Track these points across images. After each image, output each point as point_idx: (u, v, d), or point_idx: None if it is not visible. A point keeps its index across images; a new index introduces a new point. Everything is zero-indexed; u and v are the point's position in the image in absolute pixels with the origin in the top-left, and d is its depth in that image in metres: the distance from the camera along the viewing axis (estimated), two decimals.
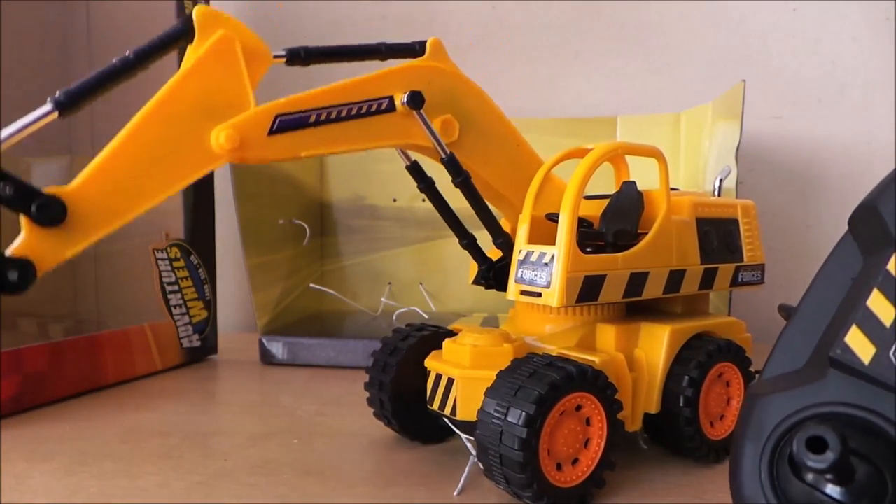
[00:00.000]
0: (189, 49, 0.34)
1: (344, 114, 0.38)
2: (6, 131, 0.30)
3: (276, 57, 0.37)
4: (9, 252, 0.29)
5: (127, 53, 0.32)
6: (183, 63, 0.34)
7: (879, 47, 0.88)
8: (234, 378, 0.71)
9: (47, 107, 0.30)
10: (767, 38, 0.90)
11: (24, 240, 0.30)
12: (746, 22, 0.91)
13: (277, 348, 0.74)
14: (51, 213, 0.29)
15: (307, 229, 0.86)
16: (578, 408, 0.37)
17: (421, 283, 0.92)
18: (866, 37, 0.88)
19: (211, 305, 0.78)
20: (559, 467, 0.37)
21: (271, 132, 0.36)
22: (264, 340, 0.74)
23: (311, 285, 0.89)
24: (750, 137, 0.86)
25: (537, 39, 0.95)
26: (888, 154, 0.88)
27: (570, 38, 0.94)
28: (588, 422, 0.38)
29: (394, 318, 0.84)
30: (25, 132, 0.31)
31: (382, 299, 0.90)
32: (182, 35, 0.33)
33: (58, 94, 0.30)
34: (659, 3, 0.92)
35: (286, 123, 0.36)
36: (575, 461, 0.38)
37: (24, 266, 0.29)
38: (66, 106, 0.31)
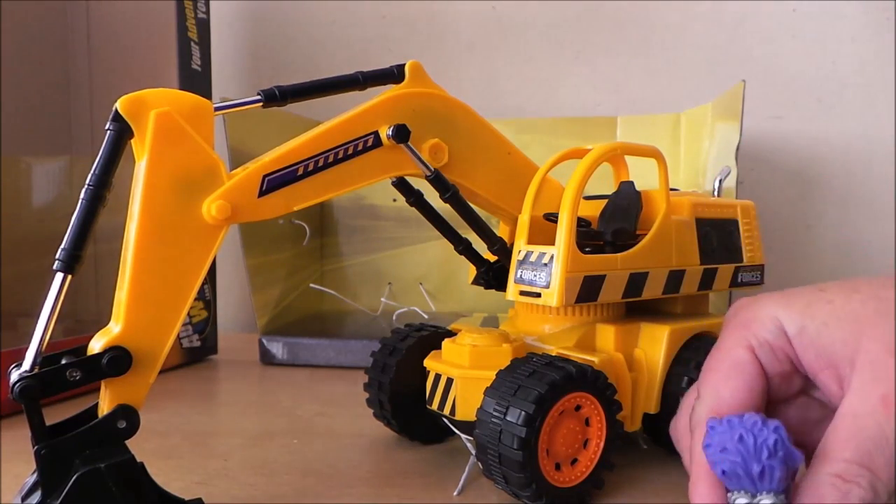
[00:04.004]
0: (134, 143, 0.33)
1: (331, 159, 0.37)
2: None
3: (251, 102, 0.36)
4: (103, 405, 0.32)
5: (86, 185, 0.31)
6: (136, 161, 0.33)
7: (879, 47, 0.88)
8: (234, 378, 0.71)
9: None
10: (767, 38, 0.90)
11: (111, 393, 0.32)
12: (746, 22, 0.91)
13: (277, 348, 0.74)
14: (120, 363, 0.31)
15: (307, 229, 0.86)
16: (578, 408, 0.37)
17: (421, 283, 0.92)
18: (866, 37, 0.88)
19: (211, 305, 0.78)
20: (558, 467, 0.37)
21: (261, 193, 0.35)
22: (264, 340, 0.74)
23: (311, 285, 0.89)
24: (750, 137, 0.86)
25: (537, 39, 0.95)
26: (888, 154, 0.88)
27: (570, 38, 0.94)
28: (587, 422, 0.38)
29: (394, 318, 0.84)
30: None
31: (382, 299, 0.90)
32: (123, 135, 0.32)
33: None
34: (659, 3, 0.92)
35: (275, 182, 0.36)
36: (574, 461, 0.38)
37: (128, 411, 0.32)
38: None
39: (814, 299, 0.30)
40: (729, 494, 0.26)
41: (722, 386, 0.30)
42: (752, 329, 0.30)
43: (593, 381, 0.37)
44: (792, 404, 0.32)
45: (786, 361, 0.30)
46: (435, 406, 0.42)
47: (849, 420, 0.26)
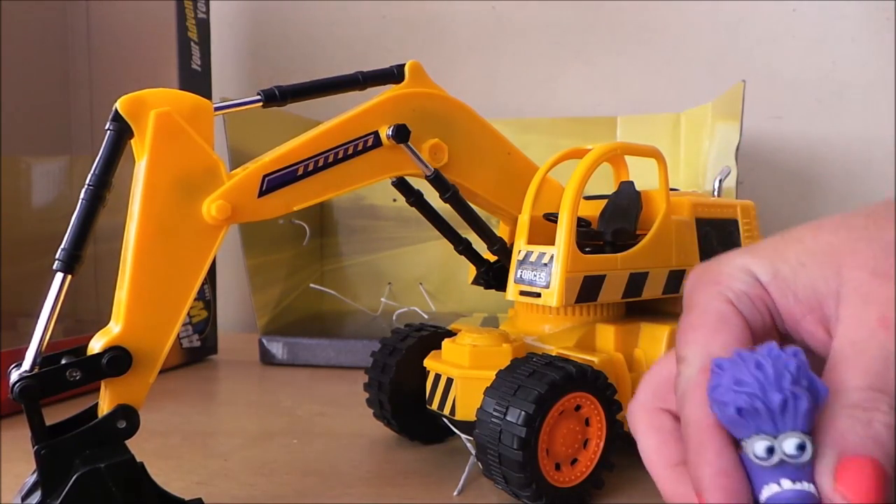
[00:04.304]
0: (134, 143, 0.33)
1: (331, 159, 0.37)
2: None
3: (251, 102, 0.36)
4: (103, 405, 0.32)
5: (86, 185, 0.31)
6: (136, 161, 0.33)
7: (879, 47, 0.88)
8: (234, 378, 0.71)
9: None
10: (767, 38, 0.90)
11: (111, 393, 0.32)
12: (746, 22, 0.91)
13: (277, 348, 0.74)
14: (120, 363, 0.31)
15: (307, 229, 0.86)
16: (578, 408, 0.37)
17: (421, 283, 0.92)
18: (866, 37, 0.88)
19: (211, 305, 0.78)
20: (558, 467, 0.37)
21: (261, 193, 0.35)
22: (264, 340, 0.74)
23: (311, 285, 0.89)
24: (750, 137, 0.86)
25: (537, 39, 0.95)
26: (888, 154, 0.88)
27: (570, 38, 0.94)
28: (587, 422, 0.38)
29: (394, 318, 0.84)
30: None
31: (382, 299, 0.90)
32: (123, 135, 0.32)
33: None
34: (659, 3, 0.92)
35: (274, 182, 0.36)
36: (574, 461, 0.38)
37: (128, 411, 0.32)
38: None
39: (781, 243, 0.27)
40: (744, 444, 0.21)
41: (711, 342, 0.26)
42: (725, 283, 0.27)
43: (593, 381, 0.37)
44: None
45: (766, 312, 0.27)
46: (435, 406, 0.42)
47: (849, 350, 0.24)
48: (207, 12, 0.76)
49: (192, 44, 0.74)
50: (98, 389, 0.33)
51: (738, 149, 0.65)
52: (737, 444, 0.22)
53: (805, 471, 0.21)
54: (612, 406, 0.38)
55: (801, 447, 0.20)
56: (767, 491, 0.21)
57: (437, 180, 0.41)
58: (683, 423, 0.25)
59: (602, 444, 0.38)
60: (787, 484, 0.21)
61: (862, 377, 0.23)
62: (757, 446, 0.21)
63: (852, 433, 0.22)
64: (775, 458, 0.21)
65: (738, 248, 0.28)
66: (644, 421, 0.28)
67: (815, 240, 0.26)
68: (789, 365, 0.21)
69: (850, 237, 0.26)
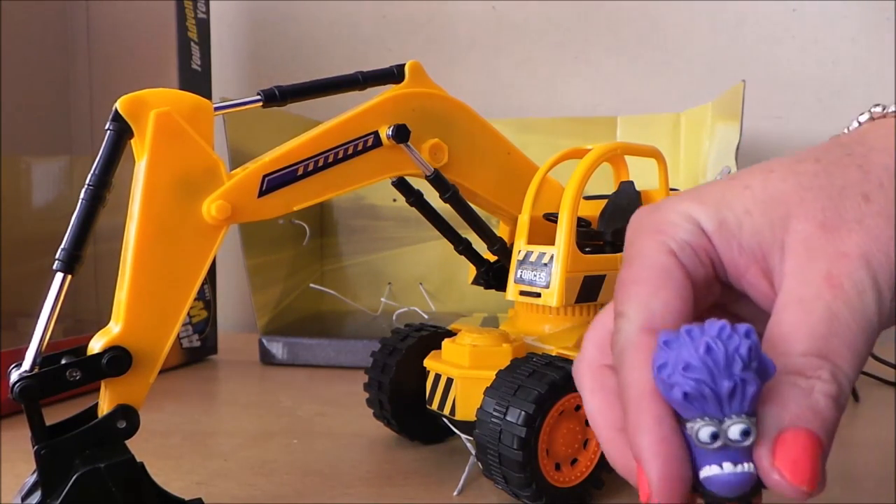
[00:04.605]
0: (134, 143, 0.33)
1: (331, 159, 0.37)
2: None
3: (251, 102, 0.36)
4: (103, 405, 0.32)
5: (86, 185, 0.31)
6: (136, 161, 0.33)
7: (879, 47, 0.88)
8: (234, 378, 0.71)
9: None
10: (767, 38, 0.90)
11: (111, 393, 0.32)
12: (746, 22, 0.91)
13: (277, 348, 0.74)
14: (120, 363, 0.31)
15: (307, 229, 0.86)
16: (577, 408, 0.37)
17: (421, 283, 0.91)
18: (866, 37, 0.88)
19: (211, 305, 0.78)
20: (558, 467, 0.37)
21: (261, 194, 0.35)
22: (264, 340, 0.74)
23: (311, 285, 0.89)
24: (750, 137, 0.86)
25: (537, 39, 0.95)
26: None
27: (570, 38, 0.94)
28: (587, 422, 0.38)
29: (394, 318, 0.84)
30: None
31: (382, 299, 0.90)
32: (123, 135, 0.32)
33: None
34: (659, 3, 0.92)
35: (275, 182, 0.36)
36: (574, 461, 0.38)
37: (128, 410, 0.32)
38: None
39: (727, 189, 0.25)
40: (688, 425, 0.20)
41: (652, 298, 0.24)
42: (668, 232, 0.25)
43: None
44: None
45: (708, 264, 0.25)
46: (435, 406, 0.42)
47: (793, 308, 0.22)
48: (207, 12, 0.76)
49: (192, 44, 0.74)
50: (98, 389, 0.33)
51: (738, 149, 0.65)
52: (679, 417, 0.21)
53: (747, 451, 0.20)
54: None
55: (746, 433, 0.20)
56: (707, 471, 0.20)
57: (437, 180, 0.41)
58: (621, 386, 0.23)
59: None
60: (728, 467, 0.20)
61: (805, 341, 0.22)
62: (702, 433, 0.20)
63: (793, 404, 0.21)
64: (719, 443, 0.20)
65: (683, 193, 0.26)
66: (588, 379, 0.26)
67: (764, 187, 0.24)
68: (741, 349, 0.20)
69: (799, 184, 0.24)
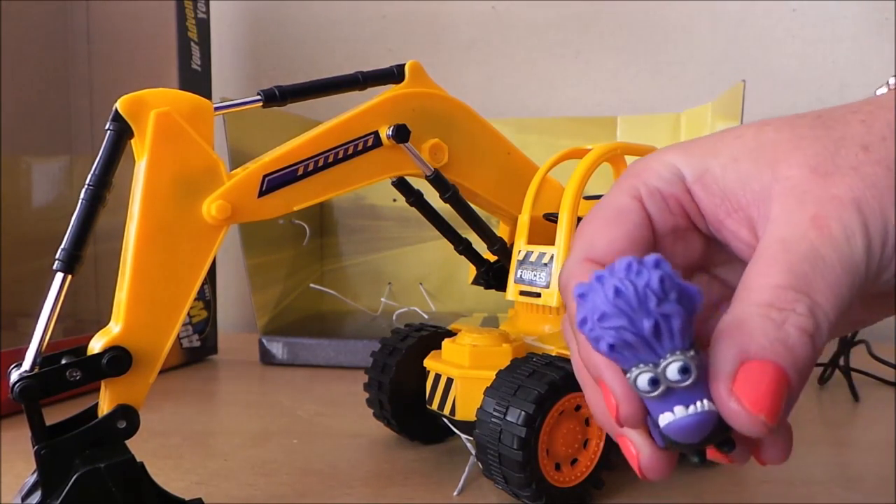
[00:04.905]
0: (134, 143, 0.33)
1: (331, 159, 0.37)
2: None
3: (251, 102, 0.36)
4: (103, 405, 0.32)
5: (86, 185, 0.31)
6: (136, 161, 0.33)
7: (879, 47, 0.88)
8: (234, 378, 0.71)
9: None
10: (767, 38, 0.90)
11: (111, 393, 0.32)
12: (746, 22, 0.91)
13: (277, 348, 0.74)
14: (120, 364, 0.31)
15: (307, 229, 0.86)
16: (577, 408, 0.37)
17: (421, 283, 0.92)
18: (866, 37, 0.88)
19: (211, 305, 0.78)
20: (558, 467, 0.37)
21: (261, 194, 0.35)
22: (264, 340, 0.74)
23: (311, 285, 0.89)
24: None
25: (537, 39, 0.95)
26: None
27: (570, 38, 0.94)
28: (587, 422, 0.38)
29: (394, 318, 0.84)
30: None
31: (382, 299, 0.90)
32: (123, 135, 0.32)
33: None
34: (659, 4, 0.92)
35: (275, 182, 0.36)
36: (574, 461, 0.38)
37: (128, 411, 0.32)
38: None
39: (718, 140, 0.24)
40: (628, 377, 0.19)
41: (598, 235, 0.23)
42: (642, 177, 0.24)
43: None
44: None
45: (680, 214, 0.24)
46: (435, 406, 0.42)
47: (775, 248, 0.20)
48: (207, 12, 0.76)
49: (192, 44, 0.74)
50: (98, 389, 0.33)
51: None
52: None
53: (696, 387, 0.19)
54: None
55: (685, 370, 0.18)
56: (663, 419, 0.19)
57: (437, 180, 0.41)
58: (569, 318, 0.23)
59: (602, 444, 0.38)
60: (679, 411, 0.19)
61: (784, 276, 0.20)
62: (639, 381, 0.19)
63: (761, 334, 0.19)
64: (661, 388, 0.19)
65: (676, 144, 0.25)
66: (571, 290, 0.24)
67: (756, 136, 0.23)
68: (651, 282, 0.18)
69: (794, 134, 0.22)
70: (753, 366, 0.19)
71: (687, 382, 0.19)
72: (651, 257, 0.19)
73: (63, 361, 0.31)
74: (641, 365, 0.19)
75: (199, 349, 0.76)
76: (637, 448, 0.22)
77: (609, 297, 0.18)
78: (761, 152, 0.22)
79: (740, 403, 0.18)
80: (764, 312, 0.19)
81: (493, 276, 0.47)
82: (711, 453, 0.21)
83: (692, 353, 0.19)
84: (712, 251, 0.25)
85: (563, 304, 0.39)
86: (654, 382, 0.19)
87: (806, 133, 0.22)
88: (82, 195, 0.31)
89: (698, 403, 0.19)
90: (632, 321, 0.18)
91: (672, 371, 0.18)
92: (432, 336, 0.47)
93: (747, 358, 0.19)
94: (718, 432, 0.19)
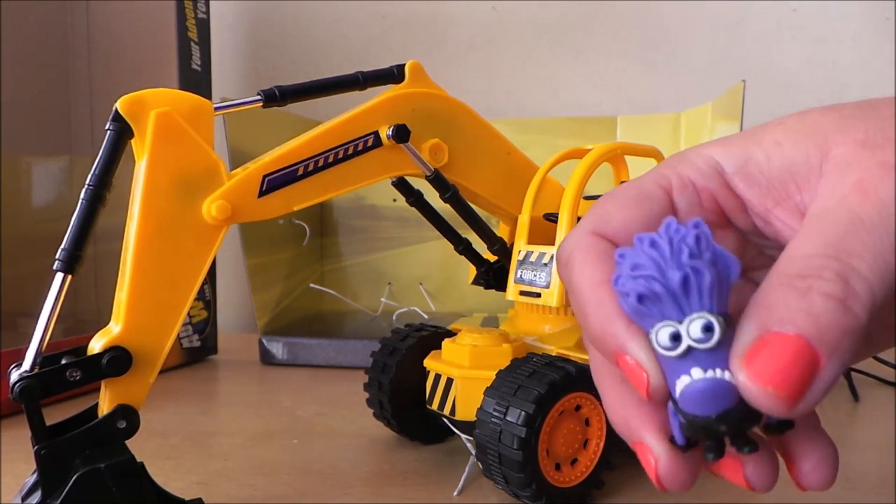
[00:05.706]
0: (134, 143, 0.33)
1: (331, 159, 0.37)
2: None
3: (251, 102, 0.36)
4: (103, 405, 0.32)
5: (86, 185, 0.31)
6: (136, 161, 0.33)
7: (879, 47, 0.88)
8: (234, 378, 0.71)
9: None
10: (767, 38, 0.90)
11: (111, 393, 0.32)
12: (746, 22, 0.91)
13: (277, 348, 0.74)
14: (120, 364, 0.31)
15: (307, 229, 0.86)
16: (578, 408, 0.37)
17: (421, 283, 0.92)
18: (866, 37, 0.88)
19: (211, 305, 0.78)
20: (558, 467, 0.37)
21: (261, 194, 0.35)
22: (264, 340, 0.74)
23: (311, 285, 0.89)
24: None
25: (537, 39, 0.95)
26: None
27: (570, 38, 0.94)
28: (587, 422, 0.38)
29: (394, 318, 0.84)
30: None
31: (382, 299, 0.90)
32: (123, 135, 0.32)
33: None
34: (659, 3, 0.92)
35: (275, 182, 0.36)
36: (574, 461, 0.38)
37: (128, 411, 0.32)
38: None
39: (760, 130, 0.22)
40: (650, 336, 0.18)
41: (614, 212, 0.22)
42: (677, 168, 0.23)
43: (593, 382, 0.37)
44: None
45: (712, 211, 0.23)
46: (435, 406, 0.42)
47: (812, 221, 0.19)
48: (207, 12, 0.76)
49: (192, 44, 0.74)
50: (98, 389, 0.33)
51: None
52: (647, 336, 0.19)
53: (720, 355, 0.18)
54: None
55: (709, 328, 0.17)
56: (679, 384, 0.18)
57: (437, 180, 0.41)
58: (572, 290, 0.21)
59: (602, 444, 0.38)
60: (697, 373, 0.18)
61: (814, 244, 0.18)
62: (661, 335, 0.18)
63: (783, 304, 0.17)
64: (683, 346, 0.18)
65: (715, 139, 0.24)
66: (582, 252, 0.22)
67: (799, 120, 0.22)
68: (687, 237, 0.18)
69: (840, 115, 0.21)
70: (772, 338, 0.17)
71: (710, 343, 0.18)
72: (693, 220, 0.18)
73: (63, 361, 0.31)
74: (667, 321, 0.18)
75: (199, 349, 0.76)
76: (655, 455, 0.20)
77: (645, 248, 0.18)
78: (807, 134, 0.21)
79: (750, 379, 0.17)
80: (788, 282, 0.18)
81: (493, 276, 0.47)
82: (728, 467, 0.20)
83: (722, 319, 0.18)
84: (749, 254, 0.24)
85: (563, 302, 0.40)
86: (676, 338, 0.18)
87: (853, 113, 0.21)
88: (82, 195, 0.31)
89: (717, 370, 0.18)
90: (662, 272, 0.18)
91: (695, 328, 0.18)
92: (432, 336, 0.47)
93: (766, 330, 0.17)
94: (738, 417, 0.18)
